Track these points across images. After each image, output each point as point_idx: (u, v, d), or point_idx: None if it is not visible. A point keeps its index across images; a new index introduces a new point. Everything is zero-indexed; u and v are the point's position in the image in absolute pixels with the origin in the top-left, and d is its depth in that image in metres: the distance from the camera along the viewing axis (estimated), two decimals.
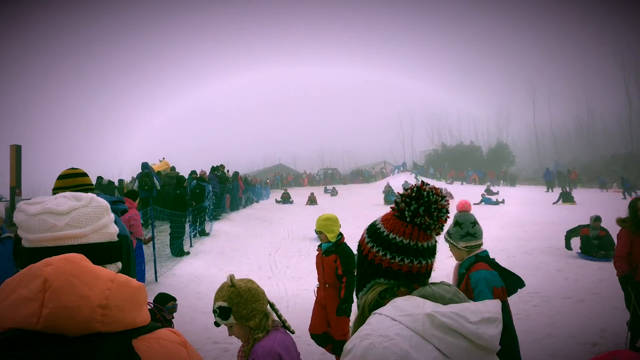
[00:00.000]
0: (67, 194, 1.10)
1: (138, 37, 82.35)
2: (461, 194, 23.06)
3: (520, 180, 37.43)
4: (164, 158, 20.40)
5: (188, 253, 10.83)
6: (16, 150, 15.26)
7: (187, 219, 12.00)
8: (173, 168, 18.05)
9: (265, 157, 65.16)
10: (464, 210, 3.17)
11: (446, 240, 3.25)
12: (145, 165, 15.09)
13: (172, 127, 78.69)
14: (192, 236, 12.31)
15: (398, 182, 34.66)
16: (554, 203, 22.11)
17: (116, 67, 77.08)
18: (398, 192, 1.38)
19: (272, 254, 11.14)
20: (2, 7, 61.11)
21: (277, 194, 32.34)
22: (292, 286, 8.35)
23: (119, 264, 1.15)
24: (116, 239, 1.14)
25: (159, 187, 14.72)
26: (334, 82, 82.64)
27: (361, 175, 47.15)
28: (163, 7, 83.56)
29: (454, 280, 3.24)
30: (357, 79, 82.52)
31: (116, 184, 20.16)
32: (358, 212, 20.01)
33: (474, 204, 18.88)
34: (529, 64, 66.98)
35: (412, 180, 38.06)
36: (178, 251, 10.63)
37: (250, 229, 14.91)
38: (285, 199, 26.18)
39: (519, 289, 3.26)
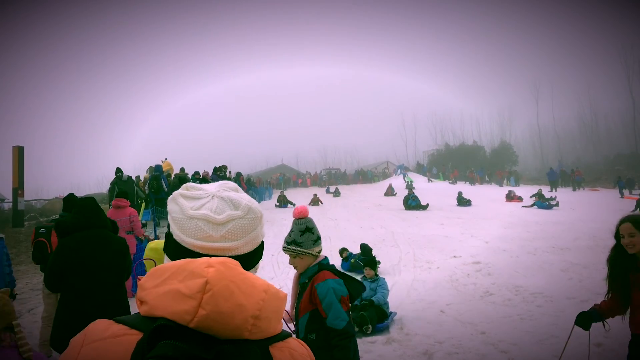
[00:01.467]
0: (225, 194, 1.09)
1: (140, 38, 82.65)
2: (483, 196, 23.09)
3: (523, 180, 37.29)
4: (166, 159, 20.41)
5: None
6: (19, 152, 15.32)
7: None
8: (182, 169, 18.07)
9: (268, 157, 65.23)
10: (304, 216, 3.05)
11: (291, 250, 2.96)
12: (157, 168, 15.19)
13: (174, 127, 78.84)
14: None
15: (400, 183, 34.68)
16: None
17: (117, 67, 77.42)
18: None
19: (275, 254, 11.12)
20: (3, 7, 61.31)
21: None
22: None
23: (258, 265, 1.18)
24: (259, 244, 1.15)
25: (166, 190, 14.76)
26: (336, 81, 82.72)
27: (364, 176, 47.01)
28: (164, 8, 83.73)
29: (294, 290, 3.10)
30: (359, 78, 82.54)
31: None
32: (361, 213, 20.02)
33: (524, 206, 18.78)
34: (532, 64, 67.02)
35: (401, 180, 38.08)
36: None
37: None
38: (282, 202, 23.77)
39: (362, 294, 3.19)
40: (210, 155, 56.48)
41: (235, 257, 1.04)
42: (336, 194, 31.18)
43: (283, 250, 3.01)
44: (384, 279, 7.32)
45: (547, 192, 26.83)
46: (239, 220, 1.06)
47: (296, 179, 44.75)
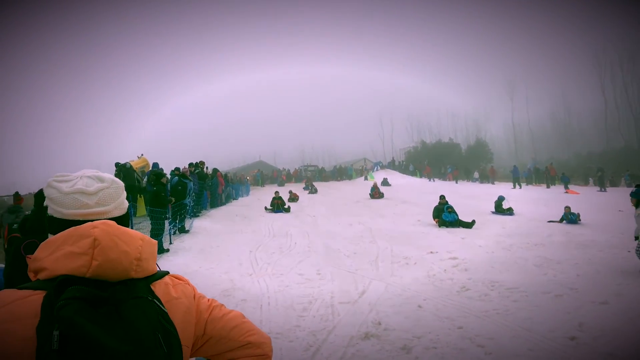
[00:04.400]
0: (90, 174, 1.33)
1: (124, 39, 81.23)
2: (458, 193, 23.27)
3: (497, 177, 37.87)
4: (142, 154, 20.13)
5: (168, 250, 10.67)
6: None
7: (167, 216, 11.84)
8: (156, 165, 17.77)
9: (245, 154, 64.93)
10: None
11: None
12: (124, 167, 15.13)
13: (152, 125, 77.82)
14: (171, 233, 12.17)
15: (378, 180, 34.85)
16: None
17: (99, 68, 76.10)
18: None
19: (253, 250, 11.05)
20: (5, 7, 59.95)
21: (258, 192, 32.02)
22: (273, 283, 8.30)
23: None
24: (126, 211, 1.40)
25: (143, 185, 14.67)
26: (314, 80, 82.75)
27: (343, 172, 47.04)
28: (144, 11, 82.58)
29: None
30: (337, 77, 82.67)
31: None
32: (339, 210, 20.06)
33: (549, 221, 14.68)
34: (508, 63, 68.19)
35: (392, 176, 38.30)
36: (157, 248, 10.43)
37: (230, 226, 14.79)
38: (278, 207, 19.47)
39: None
40: (187, 152, 55.96)
41: (110, 219, 1.27)
42: (312, 190, 30.75)
43: None
44: None
45: (509, 189, 27.62)
46: (107, 190, 1.32)
47: (277, 175, 44.14)
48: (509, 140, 61.70)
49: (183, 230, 13.10)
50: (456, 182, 37.74)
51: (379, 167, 49.80)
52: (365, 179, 42.49)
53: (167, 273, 1.34)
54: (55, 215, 1.28)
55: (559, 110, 58.66)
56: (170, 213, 12.28)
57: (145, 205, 13.26)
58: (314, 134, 71.50)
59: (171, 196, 12.57)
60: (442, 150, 51.90)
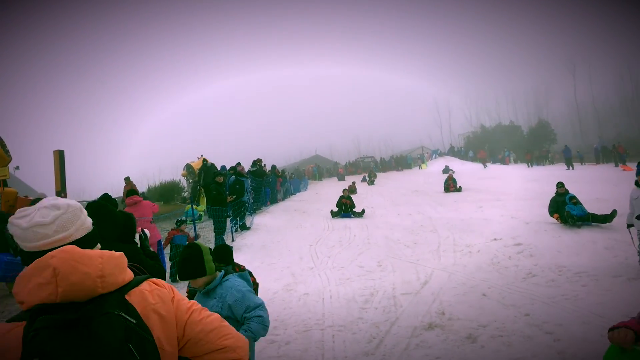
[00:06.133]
0: (47, 203, 1.41)
1: (169, 34, 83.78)
2: (520, 177, 22.46)
3: (560, 158, 36.07)
4: (202, 155, 20.72)
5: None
6: (59, 156, 15.78)
7: (228, 214, 12.15)
8: (210, 163, 18.33)
9: (302, 149, 65.35)
10: None
11: None
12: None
13: (208, 122, 79.78)
14: (233, 231, 12.48)
15: (438, 168, 34.24)
16: None
17: (150, 64, 78.73)
18: None
19: (313, 244, 11.16)
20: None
21: (316, 186, 32.16)
22: (334, 276, 8.36)
23: (98, 246, 1.51)
24: (92, 229, 1.50)
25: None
26: (366, 71, 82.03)
27: (401, 162, 46.22)
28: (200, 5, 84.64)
29: None
30: (389, 66, 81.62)
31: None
32: (398, 200, 19.86)
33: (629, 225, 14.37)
34: (567, 39, 64.67)
35: (439, 166, 37.33)
36: None
37: (290, 221, 14.98)
38: (346, 208, 15.50)
39: None
40: (244, 149, 57.00)
41: (74, 243, 1.38)
42: (370, 182, 30.41)
43: None
44: None
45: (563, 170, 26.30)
46: (63, 216, 1.40)
47: (342, 171, 41.82)
48: (573, 120, 58.63)
49: (244, 228, 13.39)
50: (529, 166, 35.73)
51: (437, 155, 48.91)
52: (420, 167, 41.78)
53: (146, 279, 1.45)
54: (24, 249, 1.37)
55: (626, 85, 55.19)
56: (230, 211, 12.58)
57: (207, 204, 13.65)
58: (370, 125, 70.93)
59: (230, 194, 12.86)
60: (503, 133, 50.23)
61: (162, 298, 1.42)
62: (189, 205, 16.34)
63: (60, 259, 1.25)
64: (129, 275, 1.39)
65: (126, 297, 1.32)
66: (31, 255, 1.34)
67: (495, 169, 33.98)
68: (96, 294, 1.26)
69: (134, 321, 1.26)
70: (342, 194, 16.29)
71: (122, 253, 1.40)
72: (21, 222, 1.35)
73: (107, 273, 1.29)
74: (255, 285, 4.39)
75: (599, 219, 10.20)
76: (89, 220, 1.50)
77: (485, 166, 36.18)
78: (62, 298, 1.22)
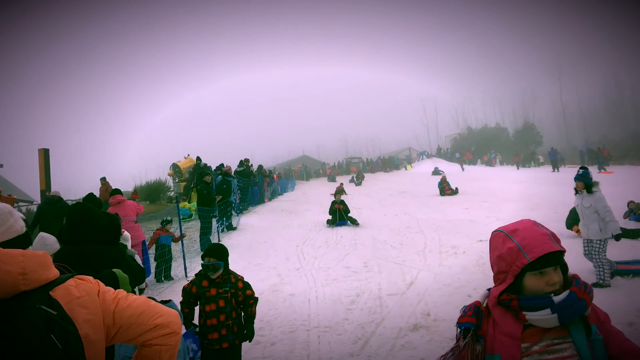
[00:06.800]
0: None
1: (159, 36, 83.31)
2: (506, 178, 22.58)
3: (547, 161, 36.45)
4: (188, 155, 20.61)
5: None
6: (44, 154, 15.59)
7: (214, 214, 12.09)
8: (198, 158, 18.25)
9: (289, 148, 65.23)
10: None
11: None
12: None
13: (195, 122, 79.44)
14: (219, 231, 12.42)
15: (425, 169, 34.38)
16: None
17: (137, 63, 78.19)
18: None
19: (300, 245, 11.15)
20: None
21: (303, 186, 32.10)
22: (321, 276, 8.35)
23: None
24: (23, 232, 1.61)
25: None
26: (354, 72, 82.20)
27: (388, 163, 46.40)
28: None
29: None
30: (377, 67, 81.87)
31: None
32: (385, 201, 19.92)
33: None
34: (554, 41, 65.31)
35: (439, 165, 37.47)
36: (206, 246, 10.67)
37: (277, 222, 14.94)
38: (341, 216, 13.99)
39: None
40: (231, 149, 56.78)
41: (2, 245, 1.47)
42: (358, 182, 30.37)
43: None
44: None
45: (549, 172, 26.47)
46: None
47: (330, 172, 42.18)
48: (559, 122, 59.23)
49: (231, 228, 13.33)
50: (518, 168, 36.00)
51: (424, 156, 49.12)
52: (405, 168, 41.93)
53: (72, 276, 1.48)
54: None
55: (611, 88, 55.92)
56: (217, 211, 12.51)
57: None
58: (357, 125, 71.08)
59: (217, 194, 12.80)
60: (489, 135, 50.63)
61: (88, 291, 1.45)
62: (186, 202, 16.29)
63: None
64: (54, 273, 1.42)
65: (50, 292, 1.35)
66: None
67: (480, 171, 34.20)
68: (19, 290, 1.28)
69: (55, 313, 1.30)
70: (333, 198, 15.10)
71: (46, 252, 1.43)
72: None
73: (30, 270, 1.31)
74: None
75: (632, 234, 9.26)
76: (20, 224, 1.62)
77: (462, 169, 36.22)
78: None
